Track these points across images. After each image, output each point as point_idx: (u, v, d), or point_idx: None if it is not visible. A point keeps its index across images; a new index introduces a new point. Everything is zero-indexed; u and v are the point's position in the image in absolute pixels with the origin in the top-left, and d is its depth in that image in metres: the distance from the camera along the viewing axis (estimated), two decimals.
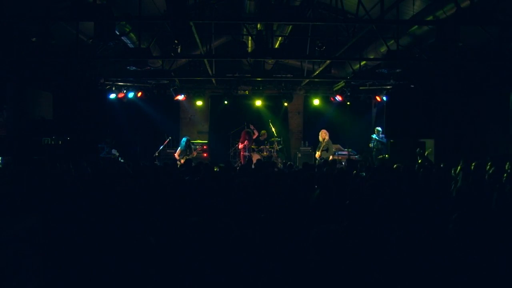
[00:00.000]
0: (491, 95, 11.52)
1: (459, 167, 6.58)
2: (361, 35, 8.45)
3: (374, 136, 13.18)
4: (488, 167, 7.05)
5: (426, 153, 9.64)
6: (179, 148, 12.64)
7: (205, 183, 5.36)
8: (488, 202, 4.36)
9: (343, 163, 11.67)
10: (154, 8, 8.90)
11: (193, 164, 8.43)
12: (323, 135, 12.28)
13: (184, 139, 12.75)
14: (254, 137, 13.02)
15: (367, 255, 3.01)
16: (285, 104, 14.82)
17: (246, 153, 12.70)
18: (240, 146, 12.95)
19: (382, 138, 13.08)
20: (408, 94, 12.82)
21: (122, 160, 11.87)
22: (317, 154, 12.24)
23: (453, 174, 6.62)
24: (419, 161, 9.11)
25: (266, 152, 13.21)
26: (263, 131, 13.34)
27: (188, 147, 12.60)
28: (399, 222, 3.51)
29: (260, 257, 2.73)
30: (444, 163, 8.15)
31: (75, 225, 3.61)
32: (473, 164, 7.36)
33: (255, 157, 12.07)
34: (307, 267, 2.67)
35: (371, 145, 13.24)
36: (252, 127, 13.04)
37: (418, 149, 9.94)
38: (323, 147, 12.17)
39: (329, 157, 11.93)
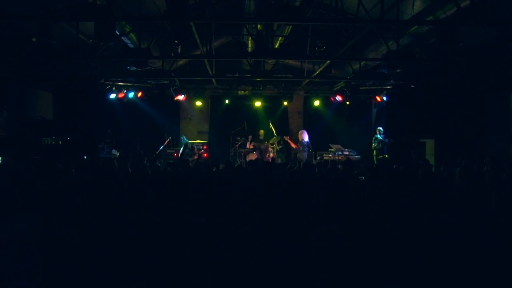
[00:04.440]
0: (491, 95, 11.52)
1: (458, 168, 6.58)
2: (361, 35, 8.45)
3: (377, 136, 13.19)
4: (488, 167, 7.05)
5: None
6: (182, 148, 12.73)
7: (207, 182, 5.36)
8: (487, 202, 4.35)
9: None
10: (154, 8, 8.90)
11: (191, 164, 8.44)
12: (305, 135, 12.66)
13: (183, 139, 12.85)
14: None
15: (366, 255, 3.01)
16: (285, 104, 14.83)
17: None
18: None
19: (384, 138, 13.09)
20: (408, 94, 12.82)
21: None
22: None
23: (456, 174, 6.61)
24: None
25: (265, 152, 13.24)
26: (261, 131, 13.48)
27: (190, 148, 12.68)
28: (398, 223, 3.51)
29: (262, 256, 2.73)
30: (444, 163, 8.14)
31: (74, 226, 3.61)
32: (473, 164, 7.37)
33: (252, 157, 12.15)
34: (308, 266, 2.68)
35: (374, 145, 13.24)
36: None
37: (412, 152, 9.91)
38: (302, 148, 12.51)
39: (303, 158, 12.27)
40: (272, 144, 13.27)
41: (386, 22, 8.51)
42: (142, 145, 14.24)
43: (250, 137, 13.46)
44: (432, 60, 9.65)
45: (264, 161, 10.38)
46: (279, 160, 12.66)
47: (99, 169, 7.21)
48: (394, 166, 7.38)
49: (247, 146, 13.39)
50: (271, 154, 12.91)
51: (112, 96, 13.38)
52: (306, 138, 12.79)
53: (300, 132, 13.04)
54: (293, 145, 12.96)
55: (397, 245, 2.67)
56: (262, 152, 12.90)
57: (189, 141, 13.30)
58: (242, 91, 14.36)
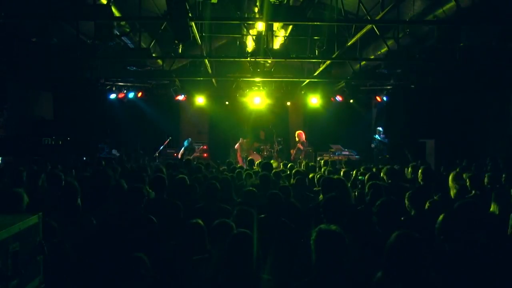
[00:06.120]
0: (491, 95, 11.53)
1: (458, 168, 6.58)
2: (361, 35, 8.44)
3: (376, 136, 13.19)
4: (488, 167, 7.07)
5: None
6: (182, 148, 12.76)
7: (205, 183, 5.36)
8: (487, 202, 4.35)
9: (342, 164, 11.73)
10: (154, 8, 8.90)
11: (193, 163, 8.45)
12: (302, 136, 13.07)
13: (186, 141, 12.90)
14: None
15: (367, 255, 3.01)
16: (285, 104, 14.82)
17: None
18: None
19: (383, 138, 13.11)
20: (408, 94, 12.83)
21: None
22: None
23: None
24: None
25: (266, 152, 13.26)
26: (261, 131, 13.56)
27: (191, 149, 12.72)
28: (399, 222, 3.51)
29: (260, 257, 2.73)
30: (444, 163, 8.16)
31: (75, 225, 3.61)
32: (473, 164, 7.38)
33: (256, 157, 12.16)
34: (308, 267, 2.67)
35: (373, 145, 13.24)
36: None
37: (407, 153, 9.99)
38: (302, 148, 12.90)
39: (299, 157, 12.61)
40: (272, 144, 13.31)
41: (386, 22, 8.50)
42: (142, 145, 14.25)
43: (241, 139, 13.61)
44: (432, 60, 9.64)
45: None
46: (279, 160, 12.67)
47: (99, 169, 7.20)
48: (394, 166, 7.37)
49: (235, 147, 13.60)
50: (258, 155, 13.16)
51: (112, 96, 13.39)
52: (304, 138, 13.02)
53: (299, 132, 13.06)
54: (300, 147, 13.09)
55: (396, 245, 2.66)
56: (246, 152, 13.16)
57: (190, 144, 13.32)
58: (242, 91, 14.35)
